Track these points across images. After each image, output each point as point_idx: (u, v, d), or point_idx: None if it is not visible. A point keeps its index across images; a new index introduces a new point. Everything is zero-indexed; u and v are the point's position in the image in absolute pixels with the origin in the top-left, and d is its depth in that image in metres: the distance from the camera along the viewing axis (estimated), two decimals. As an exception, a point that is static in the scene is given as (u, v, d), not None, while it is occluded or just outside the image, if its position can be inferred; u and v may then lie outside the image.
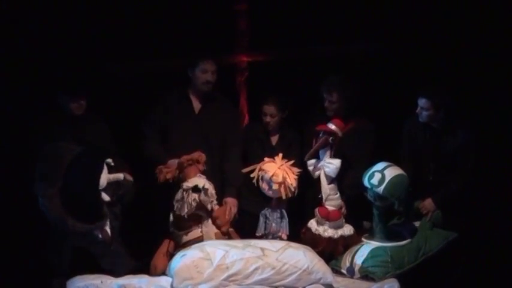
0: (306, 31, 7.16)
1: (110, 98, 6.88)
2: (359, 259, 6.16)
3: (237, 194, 6.53)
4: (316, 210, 6.40)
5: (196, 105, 6.63)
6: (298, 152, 6.57)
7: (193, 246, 6.08)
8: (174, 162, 6.28)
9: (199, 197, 6.16)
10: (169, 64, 6.99)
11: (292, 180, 6.27)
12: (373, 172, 6.20)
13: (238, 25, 7.01)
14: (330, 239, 6.35)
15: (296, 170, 6.35)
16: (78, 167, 5.83)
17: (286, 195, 6.28)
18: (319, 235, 6.35)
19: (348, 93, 6.57)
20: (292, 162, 6.36)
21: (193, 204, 6.16)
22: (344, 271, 6.19)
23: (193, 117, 6.60)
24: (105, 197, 5.90)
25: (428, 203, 6.49)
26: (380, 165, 6.23)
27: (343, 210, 6.44)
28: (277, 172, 6.27)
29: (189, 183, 6.18)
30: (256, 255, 5.84)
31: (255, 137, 6.75)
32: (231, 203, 6.47)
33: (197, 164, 6.26)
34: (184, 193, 6.17)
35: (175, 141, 6.53)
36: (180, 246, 6.21)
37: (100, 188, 5.87)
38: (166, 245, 6.28)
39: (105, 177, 5.90)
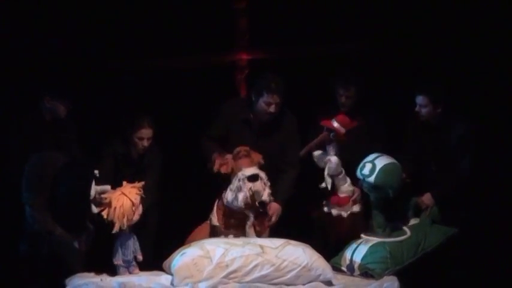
0: (306, 29, 7.16)
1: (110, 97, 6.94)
2: (358, 256, 6.15)
3: (282, 203, 6.42)
4: (327, 199, 6.43)
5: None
6: None
7: (193, 243, 6.08)
8: (229, 156, 6.30)
9: (254, 186, 6.14)
10: (169, 63, 7.00)
11: None
12: (364, 163, 6.22)
13: (238, 23, 7.00)
14: (339, 217, 6.37)
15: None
16: (67, 177, 5.80)
17: None
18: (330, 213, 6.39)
19: (363, 86, 6.59)
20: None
21: (249, 193, 6.14)
22: (344, 268, 6.18)
23: (252, 130, 6.52)
24: (94, 209, 5.86)
25: (427, 198, 6.49)
26: (371, 156, 6.25)
27: (356, 195, 6.42)
28: None
29: (245, 172, 6.18)
30: (255, 253, 5.84)
31: None
32: (274, 209, 6.38)
33: (252, 158, 6.27)
34: (241, 182, 6.17)
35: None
36: None
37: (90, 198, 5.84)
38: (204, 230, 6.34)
39: (93, 189, 5.85)
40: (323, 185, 6.39)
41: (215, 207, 6.39)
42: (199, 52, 7.04)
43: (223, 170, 6.27)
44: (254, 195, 6.18)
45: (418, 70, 7.01)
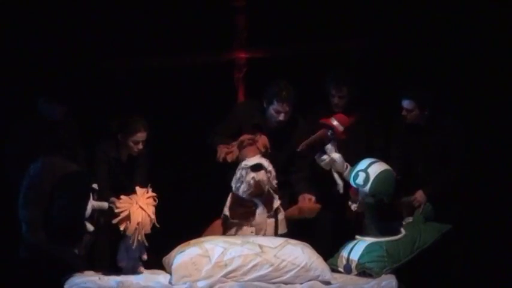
0: (305, 27, 7.16)
1: (107, 96, 6.94)
2: (355, 255, 6.15)
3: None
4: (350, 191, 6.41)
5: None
6: None
7: (192, 242, 6.08)
8: (235, 143, 6.31)
9: (257, 176, 6.14)
10: (167, 61, 6.99)
11: None
12: (357, 172, 6.20)
13: (237, 21, 7.00)
14: None
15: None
16: (64, 192, 5.71)
17: None
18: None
19: (355, 86, 6.60)
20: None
21: (251, 182, 6.14)
22: (341, 269, 6.18)
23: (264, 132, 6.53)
24: (90, 227, 5.81)
25: (419, 195, 6.51)
26: (363, 164, 6.22)
27: None
28: None
29: (248, 162, 6.18)
30: (254, 252, 5.85)
31: None
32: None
33: (257, 145, 6.26)
34: (243, 171, 6.17)
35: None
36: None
37: (86, 217, 5.78)
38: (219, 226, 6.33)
39: (90, 205, 5.81)
40: (339, 188, 6.41)
41: (229, 197, 6.38)
42: (198, 50, 7.03)
43: (228, 158, 6.29)
44: (257, 184, 6.17)
45: (406, 70, 7.03)
